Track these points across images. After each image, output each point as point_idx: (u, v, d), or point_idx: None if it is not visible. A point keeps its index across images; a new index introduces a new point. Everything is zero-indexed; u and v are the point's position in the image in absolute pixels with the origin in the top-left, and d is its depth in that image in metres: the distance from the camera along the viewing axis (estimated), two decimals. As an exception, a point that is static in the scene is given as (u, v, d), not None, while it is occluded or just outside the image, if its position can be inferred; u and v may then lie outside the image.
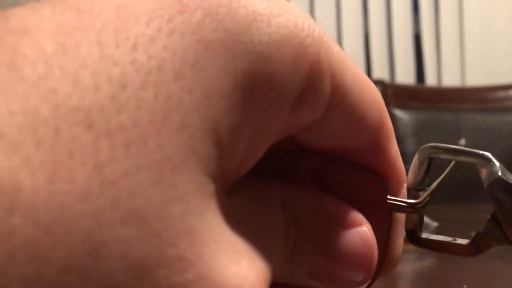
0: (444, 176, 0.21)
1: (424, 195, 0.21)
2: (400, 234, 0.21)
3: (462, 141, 0.25)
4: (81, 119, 0.13)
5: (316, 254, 0.19)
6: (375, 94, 0.19)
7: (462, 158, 0.20)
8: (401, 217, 0.21)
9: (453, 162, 0.21)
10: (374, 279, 0.21)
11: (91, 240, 0.12)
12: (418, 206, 0.20)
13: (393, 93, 1.53)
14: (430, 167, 0.21)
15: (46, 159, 0.12)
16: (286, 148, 0.20)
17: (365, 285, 0.20)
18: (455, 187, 0.88)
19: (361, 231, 0.19)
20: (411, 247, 0.22)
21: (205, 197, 0.14)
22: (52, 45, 0.13)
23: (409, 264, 0.59)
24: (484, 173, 0.20)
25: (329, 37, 0.17)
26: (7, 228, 0.12)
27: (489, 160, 0.20)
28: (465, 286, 0.44)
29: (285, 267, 0.18)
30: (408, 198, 0.21)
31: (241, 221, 0.16)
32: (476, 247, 0.21)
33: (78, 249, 0.12)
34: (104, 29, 0.14)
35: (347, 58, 0.18)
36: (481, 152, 0.20)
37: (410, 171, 0.21)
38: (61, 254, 0.12)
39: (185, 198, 0.14)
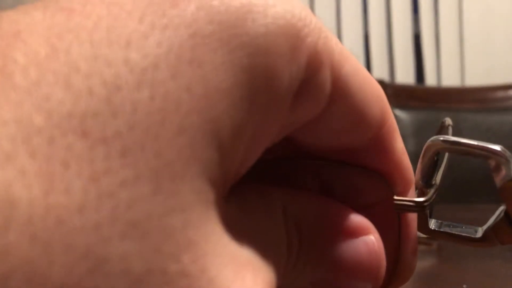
0: (445, 168, 0.20)
1: (431, 192, 0.19)
2: (412, 237, 0.20)
3: (448, 121, 0.23)
4: (76, 126, 0.12)
5: (319, 263, 0.18)
6: (377, 87, 0.18)
7: (474, 152, 0.19)
8: (412, 218, 0.20)
9: (446, 154, 0.20)
10: None
11: (91, 256, 0.12)
12: (425, 204, 0.19)
13: (393, 93, 1.52)
14: (438, 162, 0.20)
15: (41, 171, 0.12)
16: (287, 156, 0.19)
17: None
18: (455, 187, 0.87)
19: (368, 240, 0.18)
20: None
21: (205, 206, 0.13)
22: (44, 48, 0.13)
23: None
24: (497, 171, 0.18)
25: (327, 28, 0.17)
26: (2, 246, 0.11)
27: (504, 157, 0.18)
28: (465, 286, 0.44)
29: (288, 276, 0.17)
30: (417, 196, 0.19)
31: (242, 226, 0.15)
32: (488, 241, 0.20)
33: (77, 267, 0.12)
34: (96, 28, 0.13)
35: (346, 49, 0.17)
36: (496, 148, 0.19)
37: (417, 167, 0.20)
38: (60, 273, 0.11)
39: (185, 208, 0.13)
